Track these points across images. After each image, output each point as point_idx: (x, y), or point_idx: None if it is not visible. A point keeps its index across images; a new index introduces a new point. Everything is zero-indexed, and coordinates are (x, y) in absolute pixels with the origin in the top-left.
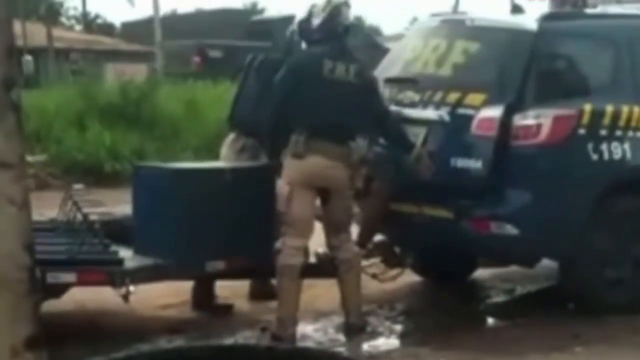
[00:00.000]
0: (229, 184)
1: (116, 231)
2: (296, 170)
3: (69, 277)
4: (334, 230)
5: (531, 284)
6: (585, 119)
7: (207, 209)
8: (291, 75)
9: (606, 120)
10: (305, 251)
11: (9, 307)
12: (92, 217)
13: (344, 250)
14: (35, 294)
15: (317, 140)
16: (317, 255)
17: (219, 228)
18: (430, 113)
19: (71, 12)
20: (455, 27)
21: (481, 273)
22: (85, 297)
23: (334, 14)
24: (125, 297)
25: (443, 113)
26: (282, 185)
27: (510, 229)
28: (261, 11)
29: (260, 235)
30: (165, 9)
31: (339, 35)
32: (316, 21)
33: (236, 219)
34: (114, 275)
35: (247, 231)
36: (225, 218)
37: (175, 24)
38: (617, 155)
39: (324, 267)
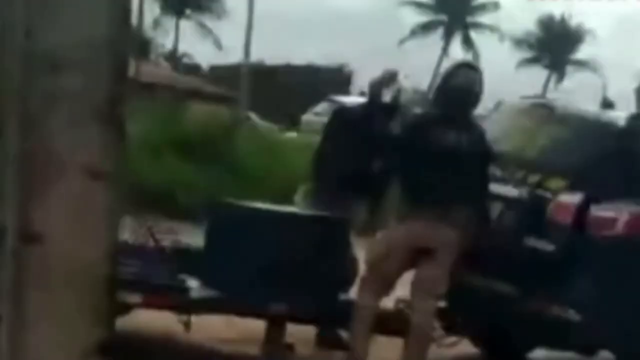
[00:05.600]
0: (304, 230)
1: (187, 260)
2: (399, 233)
3: (135, 298)
4: (425, 291)
5: None
6: None
7: (277, 252)
8: (402, 140)
9: None
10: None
11: (85, 310)
12: (164, 244)
13: (424, 317)
14: (113, 303)
15: (423, 205)
16: (386, 312)
17: (286, 271)
18: (509, 190)
19: (160, 50)
20: (545, 111)
21: (538, 354)
22: (149, 318)
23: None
24: (187, 325)
25: (522, 192)
26: (379, 241)
27: (573, 315)
28: (349, 69)
29: (327, 283)
30: (254, 57)
31: (457, 100)
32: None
33: (305, 264)
34: (178, 302)
35: (314, 277)
36: (294, 262)
37: (262, 73)
38: None
39: (392, 324)
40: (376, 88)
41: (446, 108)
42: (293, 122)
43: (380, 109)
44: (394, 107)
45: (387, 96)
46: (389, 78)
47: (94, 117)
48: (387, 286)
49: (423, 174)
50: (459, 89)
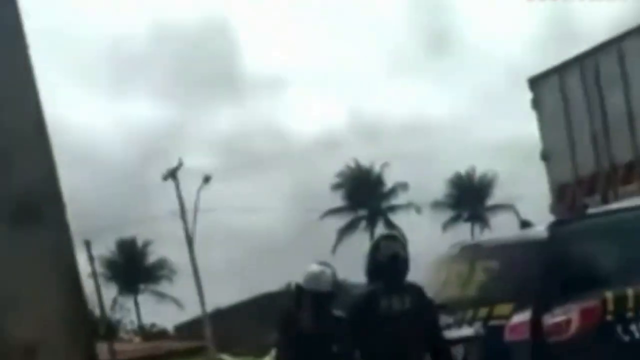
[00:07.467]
0: None
1: None
2: None
3: None
4: None
5: None
6: (610, 306)
7: None
8: (350, 317)
9: (630, 303)
10: None
11: None
12: None
13: None
14: None
15: None
16: None
17: None
18: (465, 331)
19: (129, 327)
20: (473, 250)
21: None
22: None
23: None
24: None
25: (477, 328)
26: None
27: None
28: (293, 290)
29: None
30: (210, 306)
31: (388, 269)
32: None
33: None
34: None
35: None
36: None
37: (221, 318)
38: None
39: None
40: (311, 282)
41: (381, 278)
42: None
43: (320, 299)
44: (331, 294)
45: (324, 286)
46: (322, 270)
47: None
48: None
49: (380, 341)
50: (386, 258)
